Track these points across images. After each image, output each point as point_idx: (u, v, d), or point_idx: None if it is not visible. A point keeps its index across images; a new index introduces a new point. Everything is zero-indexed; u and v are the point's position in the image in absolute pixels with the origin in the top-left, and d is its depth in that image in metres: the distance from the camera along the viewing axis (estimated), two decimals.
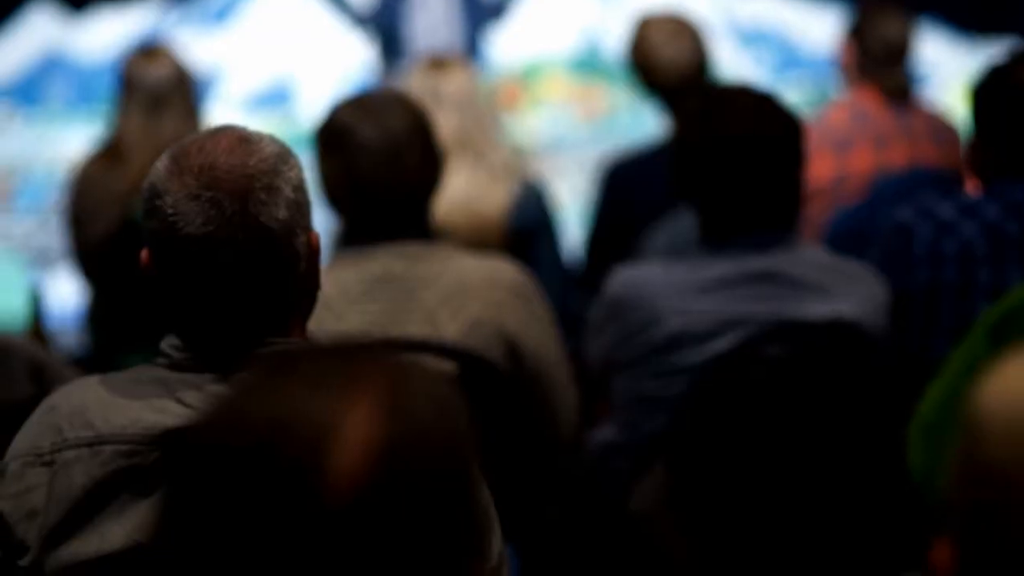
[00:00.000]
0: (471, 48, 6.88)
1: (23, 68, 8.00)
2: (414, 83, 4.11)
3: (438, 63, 4.19)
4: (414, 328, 2.86)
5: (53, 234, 7.52)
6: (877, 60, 4.63)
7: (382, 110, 2.90)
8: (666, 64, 4.28)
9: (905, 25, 4.70)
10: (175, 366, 1.97)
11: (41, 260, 7.57)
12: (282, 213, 1.93)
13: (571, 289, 4.22)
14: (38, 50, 8.02)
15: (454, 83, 4.09)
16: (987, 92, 3.29)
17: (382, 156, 2.88)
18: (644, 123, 8.08)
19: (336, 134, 2.91)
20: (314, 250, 2.00)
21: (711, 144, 2.94)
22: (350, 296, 2.86)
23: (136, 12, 8.12)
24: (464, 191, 4.03)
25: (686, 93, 4.10)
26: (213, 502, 1.17)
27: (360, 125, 2.89)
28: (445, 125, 3.86)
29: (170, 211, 1.91)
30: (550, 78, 8.34)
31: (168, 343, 1.99)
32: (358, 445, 1.16)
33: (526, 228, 4.11)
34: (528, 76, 8.32)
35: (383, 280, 2.88)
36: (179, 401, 1.94)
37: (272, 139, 1.98)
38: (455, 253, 2.95)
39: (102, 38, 8.07)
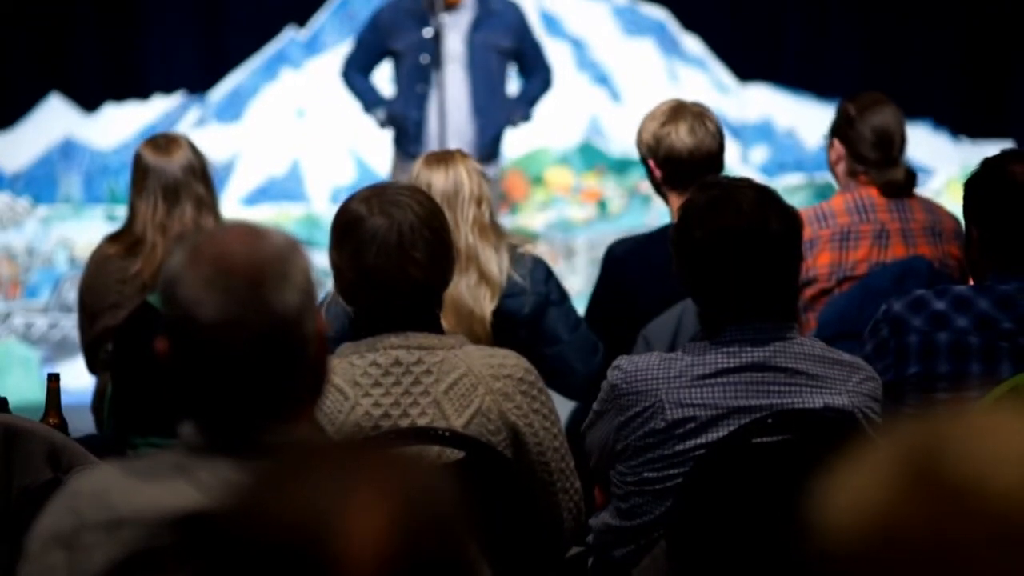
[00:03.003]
0: (495, 143, 6.88)
1: (39, 160, 8.09)
2: (412, 176, 4.15)
3: (438, 158, 4.23)
4: (421, 416, 2.91)
5: (70, 321, 7.59)
6: (868, 159, 4.42)
7: (395, 202, 2.95)
8: (682, 148, 4.26)
9: (895, 114, 4.47)
10: (192, 450, 2.04)
11: (58, 346, 7.62)
12: (293, 299, 2.01)
13: (599, 348, 4.26)
14: (54, 142, 8.12)
15: (446, 178, 4.10)
16: (980, 187, 3.35)
17: (391, 247, 2.92)
18: (647, 215, 8.17)
19: (348, 225, 2.96)
20: (322, 336, 2.08)
21: (713, 237, 3.00)
22: (360, 385, 2.91)
23: (149, 106, 8.21)
24: (451, 291, 4.05)
25: (701, 177, 4.14)
26: None
27: (372, 217, 2.94)
28: None
29: (186, 298, 2.00)
30: (556, 168, 8.42)
31: (185, 428, 2.06)
32: (368, 541, 1.23)
33: (537, 306, 4.17)
34: (534, 166, 8.40)
35: (392, 370, 2.93)
36: (196, 485, 2.00)
37: (281, 231, 2.08)
38: (461, 343, 3.01)
39: (116, 130, 8.17)
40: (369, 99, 6.90)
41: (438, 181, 4.05)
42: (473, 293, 4.06)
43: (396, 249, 2.92)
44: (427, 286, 2.97)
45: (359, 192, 3.03)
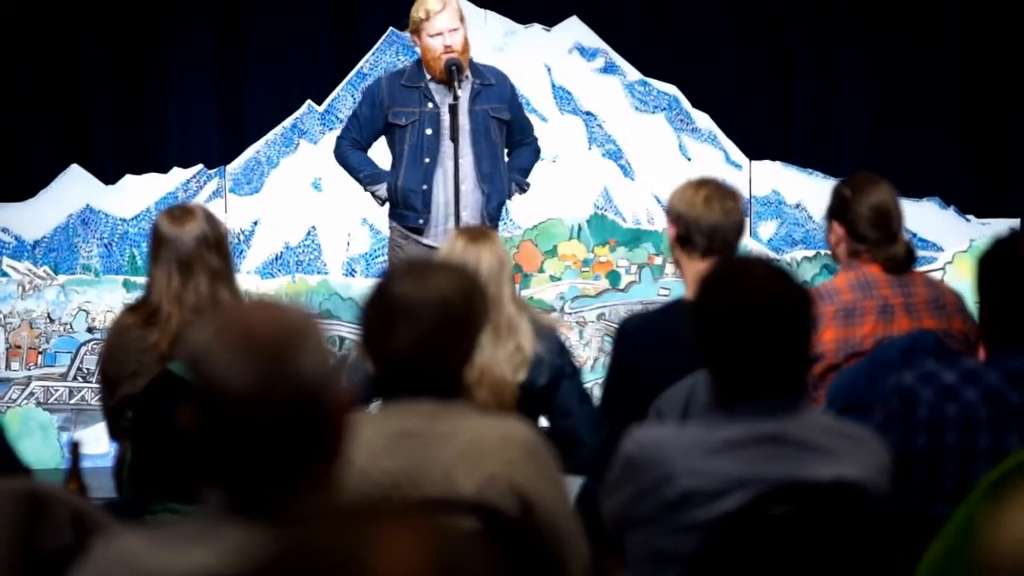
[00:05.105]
0: (499, 211, 6.89)
1: (60, 229, 8.16)
2: (454, 254, 4.18)
3: (478, 233, 4.30)
4: (432, 485, 2.94)
5: (89, 387, 7.64)
6: (868, 238, 4.46)
7: (426, 277, 3.00)
8: (712, 224, 4.30)
9: (889, 191, 4.50)
10: (217, 516, 2.10)
11: (76, 412, 7.66)
12: (313, 368, 2.11)
13: (604, 424, 4.32)
14: (74, 212, 8.19)
15: (491, 255, 4.19)
16: (990, 264, 3.42)
17: (413, 320, 2.97)
18: (658, 288, 8.23)
19: (377, 298, 3.02)
20: (342, 402, 2.15)
21: (728, 313, 3.05)
22: (371, 452, 2.95)
23: (168, 176, 8.29)
24: (488, 359, 4.11)
25: (725, 253, 4.20)
26: None
27: (403, 291, 2.98)
28: None
29: (215, 371, 2.09)
30: (569, 243, 8.48)
31: (211, 493, 2.12)
32: None
33: (551, 379, 4.24)
34: (546, 238, 8.46)
35: (402, 437, 2.97)
36: (221, 550, 2.05)
37: (297, 305, 2.20)
38: (469, 412, 3.05)
39: (136, 199, 8.24)
40: (368, 175, 6.77)
41: (485, 257, 4.14)
42: (510, 363, 4.14)
43: (418, 321, 2.97)
44: (444, 358, 3.02)
45: (394, 266, 3.08)
